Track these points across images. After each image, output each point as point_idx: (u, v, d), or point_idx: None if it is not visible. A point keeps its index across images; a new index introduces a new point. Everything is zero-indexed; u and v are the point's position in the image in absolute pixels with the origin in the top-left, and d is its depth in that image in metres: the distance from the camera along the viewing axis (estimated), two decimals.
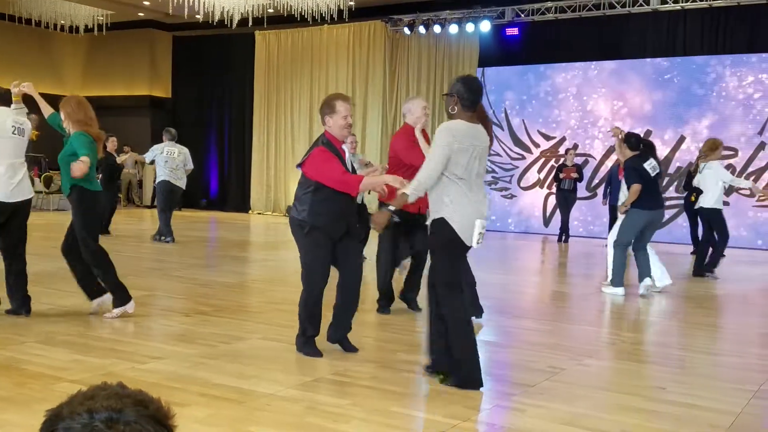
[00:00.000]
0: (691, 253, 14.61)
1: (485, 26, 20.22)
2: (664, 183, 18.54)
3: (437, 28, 20.89)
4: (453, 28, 20.69)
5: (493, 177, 20.60)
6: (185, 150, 14.94)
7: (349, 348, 6.34)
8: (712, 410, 5.04)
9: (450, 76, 21.45)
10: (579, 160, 18.93)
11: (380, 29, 22.17)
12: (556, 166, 18.76)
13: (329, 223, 6.08)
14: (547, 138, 20.36)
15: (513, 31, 20.54)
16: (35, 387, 5.03)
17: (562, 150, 19.72)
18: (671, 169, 18.71)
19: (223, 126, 25.97)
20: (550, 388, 5.44)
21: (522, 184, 20.70)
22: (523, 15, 20.10)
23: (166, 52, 26.85)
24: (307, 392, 5.13)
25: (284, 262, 12.56)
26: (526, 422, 4.70)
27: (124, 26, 25.58)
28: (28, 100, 7.57)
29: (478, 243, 5.44)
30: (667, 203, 18.06)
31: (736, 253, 16.36)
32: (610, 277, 10.23)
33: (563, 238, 17.91)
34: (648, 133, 18.42)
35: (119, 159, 15.07)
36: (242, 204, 25.17)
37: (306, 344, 6.23)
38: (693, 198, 13.25)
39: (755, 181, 16.69)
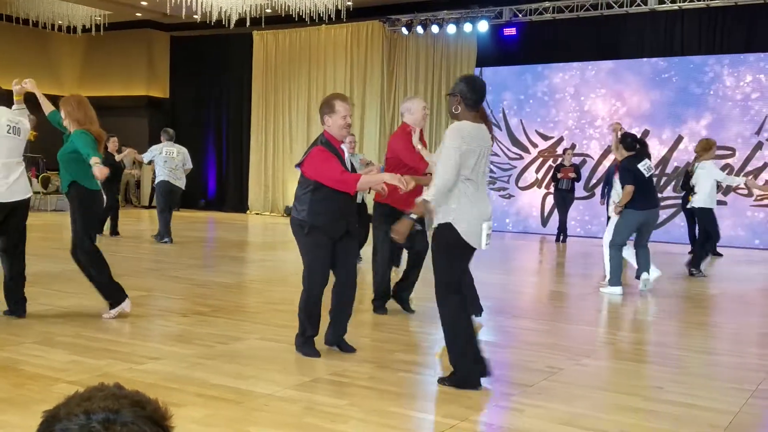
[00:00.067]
0: (689, 252, 14.61)
1: (483, 26, 20.22)
2: (662, 183, 18.58)
3: (435, 28, 20.89)
4: (451, 28, 20.68)
5: (491, 177, 20.58)
6: (184, 150, 14.96)
7: (346, 348, 6.34)
8: (711, 410, 5.04)
9: (448, 76, 21.46)
10: (577, 160, 18.94)
11: (378, 29, 22.17)
12: (554, 166, 18.77)
13: (329, 222, 6.08)
14: (545, 138, 20.36)
15: (511, 31, 20.54)
16: (33, 388, 5.03)
17: (559, 150, 19.73)
18: (669, 169, 18.72)
19: (221, 126, 25.96)
20: (549, 388, 5.44)
21: (520, 184, 20.70)
22: (520, 15, 20.10)
23: (163, 53, 26.84)
24: (305, 392, 5.12)
25: (282, 263, 12.56)
26: (524, 422, 4.70)
27: (121, 26, 25.56)
28: (29, 99, 7.55)
29: (486, 245, 5.45)
30: (665, 203, 18.11)
31: (734, 252, 16.37)
32: (608, 277, 10.25)
33: (561, 237, 17.92)
34: (646, 132, 18.43)
35: (118, 157, 15.07)
36: (240, 204, 25.15)
37: (305, 344, 6.23)
38: (690, 198, 13.27)
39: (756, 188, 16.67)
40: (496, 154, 20.49)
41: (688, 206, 12.57)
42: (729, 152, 17.99)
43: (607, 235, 10.65)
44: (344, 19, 20.45)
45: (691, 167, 12.71)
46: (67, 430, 1.30)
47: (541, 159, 20.44)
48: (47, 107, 7.73)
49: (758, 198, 17.61)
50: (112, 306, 7.39)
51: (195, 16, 21.29)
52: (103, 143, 7.44)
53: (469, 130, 5.31)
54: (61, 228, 7.50)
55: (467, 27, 20.41)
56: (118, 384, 1.40)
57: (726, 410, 5.03)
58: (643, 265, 10.32)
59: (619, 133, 10.61)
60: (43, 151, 21.69)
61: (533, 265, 14.02)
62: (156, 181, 14.87)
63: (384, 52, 22.19)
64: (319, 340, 6.32)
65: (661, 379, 5.86)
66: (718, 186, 15.10)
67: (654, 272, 10.50)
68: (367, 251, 9.92)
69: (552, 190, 18.67)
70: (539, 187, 20.44)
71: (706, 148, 12.06)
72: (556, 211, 18.68)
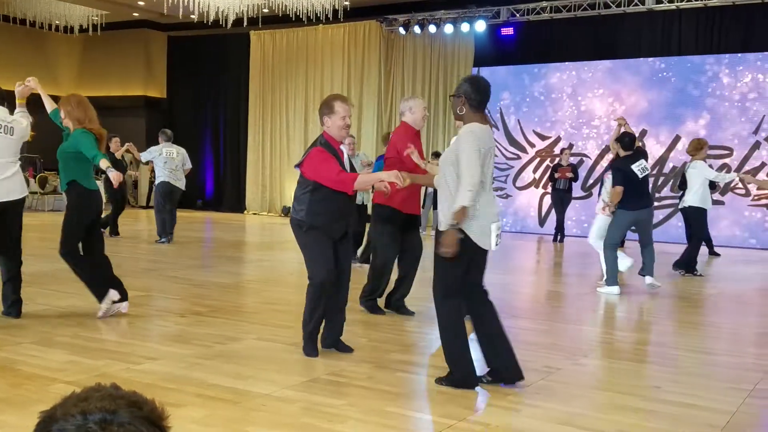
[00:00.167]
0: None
1: (480, 26, 20.24)
2: (659, 183, 18.60)
3: (432, 28, 20.90)
4: (448, 28, 20.69)
5: None
6: (183, 150, 15.02)
7: (344, 349, 6.33)
8: (708, 409, 5.04)
9: (445, 76, 21.48)
10: (574, 160, 18.95)
11: (375, 29, 22.17)
12: (552, 165, 18.77)
13: (328, 222, 6.08)
14: (543, 138, 20.37)
15: (508, 31, 20.55)
16: (31, 388, 5.02)
17: (557, 150, 19.75)
18: (666, 169, 18.74)
19: (219, 126, 25.96)
20: (546, 388, 5.44)
21: (517, 184, 20.71)
22: (518, 15, 20.11)
23: (161, 52, 26.84)
24: (303, 393, 5.12)
25: (280, 263, 12.55)
26: (522, 422, 4.70)
27: (118, 26, 25.56)
28: (29, 101, 7.53)
29: (496, 245, 5.44)
30: (662, 203, 18.15)
31: (732, 252, 16.39)
32: (605, 277, 10.29)
33: (558, 237, 17.93)
34: (643, 132, 18.46)
35: (118, 154, 15.09)
36: (237, 204, 25.15)
37: (308, 342, 6.22)
38: None
39: (750, 183, 16.69)
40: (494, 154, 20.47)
41: (680, 206, 12.62)
42: (727, 152, 18.01)
43: (593, 233, 10.78)
44: (341, 19, 20.47)
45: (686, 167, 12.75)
46: (63, 431, 1.29)
47: (538, 159, 20.45)
48: (50, 106, 7.72)
49: (756, 198, 17.63)
50: (100, 300, 7.39)
51: (192, 16, 21.30)
52: (104, 142, 7.43)
53: (480, 132, 5.29)
54: (59, 228, 7.45)
55: (464, 27, 20.43)
56: (115, 384, 1.40)
57: (724, 410, 5.03)
58: (648, 266, 10.39)
59: (623, 128, 10.65)
60: (41, 151, 21.68)
61: (531, 265, 14.02)
62: (156, 182, 14.90)
63: (381, 52, 22.20)
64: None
65: (658, 379, 5.86)
66: (716, 186, 15.16)
67: (625, 261, 10.63)
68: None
69: (549, 190, 18.67)
70: (537, 187, 20.45)
71: (697, 147, 12.11)
72: (553, 211, 18.68)
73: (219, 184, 26.06)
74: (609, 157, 16.22)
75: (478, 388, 5.33)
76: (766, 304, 10.00)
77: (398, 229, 7.98)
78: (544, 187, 19.98)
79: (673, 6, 18.35)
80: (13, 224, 7.19)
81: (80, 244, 7.38)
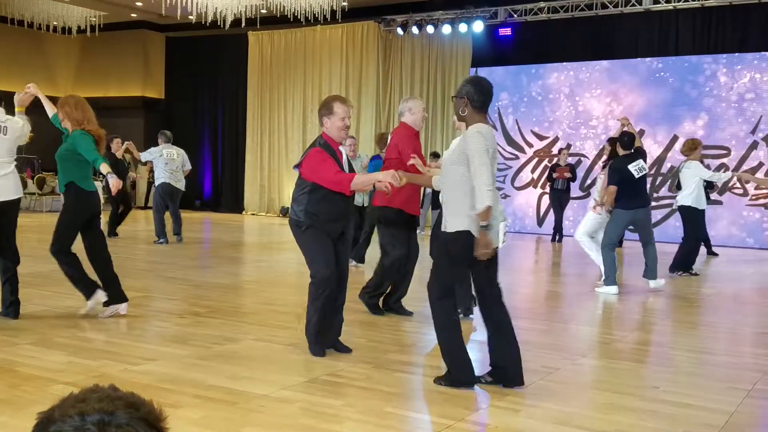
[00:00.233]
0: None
1: (478, 26, 20.25)
2: (657, 183, 18.60)
3: (430, 29, 20.91)
4: (446, 29, 20.70)
5: None
6: (182, 151, 15.11)
7: (342, 349, 6.33)
8: (707, 409, 5.04)
9: (443, 77, 21.50)
10: (572, 160, 18.97)
11: (373, 30, 22.18)
12: (550, 165, 18.77)
13: (326, 223, 6.08)
14: (541, 138, 20.38)
15: (506, 32, 20.57)
16: (29, 389, 5.02)
17: (555, 150, 19.76)
18: (664, 169, 18.76)
19: (217, 127, 25.97)
20: (545, 388, 5.44)
21: (515, 184, 20.72)
22: (515, 15, 20.12)
23: (159, 53, 26.84)
24: (302, 393, 5.12)
25: (278, 263, 12.55)
26: (520, 422, 4.70)
27: (116, 27, 25.56)
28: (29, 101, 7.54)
29: (503, 243, 5.44)
30: (660, 203, 18.15)
31: (730, 252, 16.40)
32: (603, 277, 10.30)
33: (557, 237, 17.93)
34: (641, 132, 18.44)
35: (118, 154, 15.12)
36: (236, 205, 25.16)
37: (314, 342, 6.21)
38: None
39: (746, 182, 16.72)
40: None
41: (674, 205, 12.69)
42: (724, 152, 18.03)
43: (580, 229, 10.98)
44: (339, 20, 20.47)
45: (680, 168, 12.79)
46: None
47: (536, 159, 20.46)
48: (50, 110, 7.71)
49: (754, 197, 17.64)
50: (87, 298, 7.40)
51: (190, 17, 21.31)
52: (103, 142, 7.42)
53: (487, 132, 5.29)
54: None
55: (462, 27, 20.45)
56: (113, 385, 1.40)
57: (722, 410, 5.04)
58: (650, 268, 10.45)
59: (626, 128, 10.70)
60: (39, 152, 21.67)
61: (529, 265, 14.02)
62: (156, 183, 14.92)
63: (379, 52, 22.22)
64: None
65: (657, 379, 5.86)
66: (714, 186, 15.17)
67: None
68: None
69: (548, 190, 18.68)
70: (535, 187, 20.46)
71: (692, 147, 12.15)
72: (551, 211, 18.69)
73: (217, 185, 26.07)
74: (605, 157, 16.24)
75: (476, 388, 5.33)
76: (764, 303, 10.00)
77: (405, 229, 7.99)
78: (543, 187, 19.99)
79: (670, 6, 18.36)
80: (8, 225, 7.18)
81: (85, 243, 7.39)
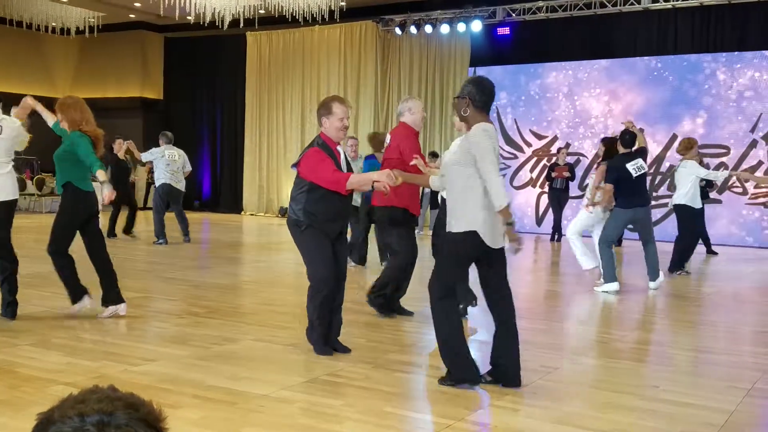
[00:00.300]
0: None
1: (476, 26, 20.24)
2: (656, 182, 18.60)
3: (428, 28, 20.90)
4: (444, 28, 20.69)
5: None
6: (183, 153, 15.17)
7: (341, 349, 6.33)
8: (706, 408, 5.04)
9: (442, 77, 21.49)
10: (571, 159, 18.96)
11: (371, 30, 22.17)
12: (548, 165, 18.77)
13: (324, 223, 6.09)
14: (539, 137, 20.38)
15: (504, 31, 20.57)
16: (28, 390, 5.02)
17: (554, 149, 19.75)
18: (663, 168, 18.75)
19: (215, 127, 25.96)
20: (544, 387, 5.44)
21: (514, 184, 20.71)
22: (514, 14, 20.12)
23: (157, 54, 26.83)
24: (301, 393, 5.12)
25: (277, 264, 12.55)
26: (519, 421, 4.70)
27: (115, 28, 25.55)
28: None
29: (509, 243, 5.46)
30: (659, 201, 18.14)
31: (729, 251, 16.41)
32: (602, 276, 10.32)
33: (556, 237, 17.93)
34: (640, 131, 18.43)
35: (120, 154, 15.15)
36: (235, 205, 25.15)
37: (317, 343, 6.22)
38: None
39: (746, 180, 16.72)
40: None
41: (670, 204, 12.72)
42: (723, 150, 18.03)
43: (572, 227, 11.06)
44: (337, 20, 20.47)
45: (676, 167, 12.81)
46: None
47: (535, 158, 20.46)
48: (51, 118, 7.70)
49: (753, 196, 17.65)
50: (74, 302, 7.43)
51: (188, 18, 21.31)
52: (101, 143, 7.41)
53: (491, 131, 5.30)
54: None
55: (461, 27, 20.44)
56: (112, 386, 1.40)
57: (721, 409, 5.04)
58: (651, 269, 10.47)
59: (632, 130, 10.76)
60: (38, 153, 21.65)
61: (528, 265, 14.02)
62: (157, 184, 14.94)
63: (378, 52, 22.20)
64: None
65: (656, 378, 5.86)
66: (713, 184, 15.19)
67: (589, 263, 10.89)
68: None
69: (546, 189, 18.68)
70: (534, 186, 20.46)
71: (687, 147, 12.17)
72: (550, 210, 18.69)
73: (216, 185, 26.06)
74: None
75: (476, 388, 5.32)
76: (763, 302, 10.00)
77: (411, 228, 7.97)
78: (541, 186, 19.99)
79: (668, 5, 18.36)
80: (2, 226, 7.15)
81: (84, 242, 7.40)
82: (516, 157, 20.60)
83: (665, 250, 12.28)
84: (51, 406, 1.35)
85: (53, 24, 24.69)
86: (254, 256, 13.99)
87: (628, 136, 10.36)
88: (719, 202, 17.83)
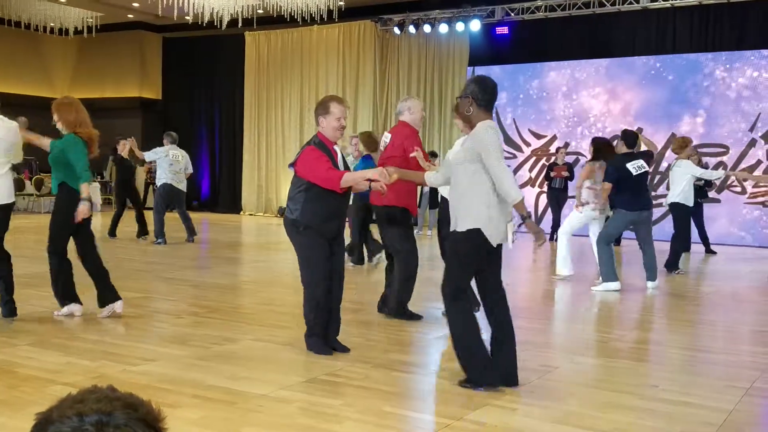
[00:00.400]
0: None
1: (475, 25, 20.23)
2: (655, 181, 18.61)
3: (427, 28, 20.89)
4: (443, 28, 20.69)
5: None
6: (186, 154, 15.19)
7: (340, 349, 6.33)
8: (705, 408, 5.04)
9: (441, 76, 21.49)
10: (570, 159, 18.96)
11: (370, 29, 22.16)
12: (547, 164, 18.77)
13: (321, 222, 6.09)
14: (538, 137, 20.38)
15: (503, 30, 20.56)
16: (27, 390, 5.02)
17: (552, 149, 19.75)
18: (662, 167, 18.75)
19: (214, 127, 25.96)
20: (543, 387, 5.44)
21: None
22: (512, 14, 20.11)
23: (156, 54, 26.82)
24: (300, 393, 5.12)
25: (276, 263, 12.55)
26: (518, 421, 4.70)
27: (113, 28, 25.54)
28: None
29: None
30: (657, 201, 18.12)
31: (728, 250, 16.41)
32: (601, 278, 10.32)
33: (555, 236, 17.90)
34: (639, 130, 18.43)
35: (123, 153, 15.17)
36: (233, 205, 25.14)
37: (315, 344, 6.24)
38: None
39: (744, 180, 16.72)
40: None
41: (664, 203, 12.74)
42: (722, 150, 18.03)
43: (564, 227, 11.12)
44: (336, 19, 20.45)
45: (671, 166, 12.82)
46: None
47: (534, 158, 20.46)
48: (45, 144, 7.67)
49: (751, 195, 17.65)
50: (61, 305, 7.47)
51: (187, 17, 21.30)
52: (96, 144, 7.41)
53: (496, 128, 5.31)
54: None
55: (459, 26, 20.43)
56: (111, 386, 1.40)
57: (720, 408, 5.04)
58: (649, 270, 10.53)
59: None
60: (37, 154, 21.63)
61: (527, 264, 14.02)
62: (158, 183, 14.94)
63: (376, 52, 22.20)
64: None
65: (655, 378, 5.87)
66: (711, 184, 15.20)
67: (564, 270, 11.06)
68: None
69: (545, 189, 18.68)
70: (532, 186, 20.45)
71: (682, 146, 12.19)
72: (549, 210, 18.69)
73: (215, 185, 26.05)
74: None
75: (498, 385, 5.29)
76: (762, 301, 10.01)
77: (410, 227, 7.95)
78: (540, 186, 19.99)
79: (667, 4, 18.36)
80: None
81: (76, 242, 7.40)
82: (515, 156, 20.59)
83: (663, 249, 12.28)
84: (50, 406, 1.35)
85: (51, 24, 24.68)
86: (253, 256, 13.99)
87: (631, 135, 10.41)
88: (718, 201, 17.83)
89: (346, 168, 6.32)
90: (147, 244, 14.54)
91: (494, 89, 5.45)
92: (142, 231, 15.30)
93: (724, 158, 17.96)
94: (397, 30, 21.40)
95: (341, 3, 20.11)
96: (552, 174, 17.79)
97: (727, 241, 17.59)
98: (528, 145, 20.50)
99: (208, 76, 25.45)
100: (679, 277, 11.94)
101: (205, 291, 9.36)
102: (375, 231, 9.85)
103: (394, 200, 7.60)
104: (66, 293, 7.45)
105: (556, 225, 17.94)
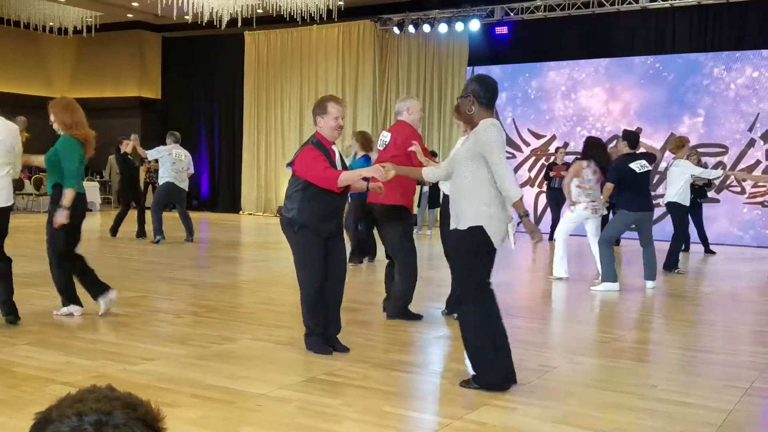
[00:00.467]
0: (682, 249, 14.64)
1: (475, 25, 20.22)
2: (654, 180, 18.61)
3: (427, 28, 20.88)
4: (442, 27, 20.68)
5: None
6: (188, 154, 15.26)
7: (340, 348, 6.33)
8: (704, 408, 5.04)
9: (440, 76, 21.48)
10: (569, 159, 18.92)
11: (370, 29, 22.16)
12: (547, 164, 18.78)
13: (318, 221, 6.09)
14: (537, 137, 20.38)
15: (502, 30, 20.56)
16: (27, 389, 5.02)
17: (552, 149, 19.75)
18: (661, 167, 18.74)
19: (213, 126, 25.95)
20: (542, 387, 5.44)
21: None
22: (512, 14, 20.11)
23: (155, 53, 26.81)
24: (299, 392, 5.12)
25: (276, 263, 12.55)
26: (518, 420, 4.70)
27: (113, 27, 25.52)
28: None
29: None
30: (656, 200, 18.13)
31: (728, 250, 16.41)
32: (600, 276, 10.32)
33: (554, 236, 17.90)
34: (638, 130, 18.45)
35: (128, 149, 15.20)
36: (233, 204, 25.14)
37: (315, 343, 6.24)
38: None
39: (743, 180, 16.73)
40: None
41: (662, 202, 12.74)
42: (722, 149, 18.03)
43: (561, 227, 11.17)
44: (335, 19, 20.44)
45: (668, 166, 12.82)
46: None
47: (533, 158, 20.45)
48: (40, 161, 7.68)
49: (751, 195, 17.65)
50: (64, 305, 7.47)
51: (186, 17, 21.28)
52: (91, 145, 7.39)
53: (498, 126, 5.31)
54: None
55: (459, 26, 20.42)
56: (110, 386, 1.40)
57: (720, 408, 5.04)
58: (649, 269, 10.55)
59: (642, 149, 10.82)
60: (36, 153, 21.61)
61: (527, 264, 14.02)
62: (161, 182, 14.97)
63: (376, 51, 22.19)
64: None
65: (654, 378, 5.87)
66: (711, 183, 15.21)
67: (559, 272, 11.11)
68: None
69: (545, 188, 18.68)
70: (532, 185, 20.45)
71: (679, 145, 12.20)
72: (548, 210, 18.69)
73: (214, 185, 26.05)
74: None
75: (507, 389, 5.29)
76: (762, 301, 10.01)
77: (411, 226, 7.94)
78: (540, 186, 19.99)
79: (667, 4, 18.36)
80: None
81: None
82: (514, 156, 20.59)
83: (663, 249, 12.28)
84: (49, 406, 1.35)
85: (51, 24, 24.67)
86: (253, 256, 13.99)
87: (633, 136, 10.44)
88: (717, 201, 17.83)
89: (345, 168, 6.31)
90: (146, 244, 14.55)
91: (495, 87, 5.45)
92: (141, 232, 15.34)
93: (724, 158, 17.96)
94: (396, 30, 21.39)
95: (341, 3, 20.11)
96: (551, 174, 17.79)
97: (727, 241, 17.60)
98: (527, 144, 20.50)
99: (208, 76, 25.45)
100: (678, 277, 11.94)
101: (204, 290, 9.36)
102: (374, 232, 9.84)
103: (393, 199, 7.58)
104: (67, 294, 7.45)
105: (555, 225, 17.92)
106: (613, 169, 10.22)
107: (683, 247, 12.77)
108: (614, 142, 17.99)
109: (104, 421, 1.29)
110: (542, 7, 19.64)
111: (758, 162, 17.72)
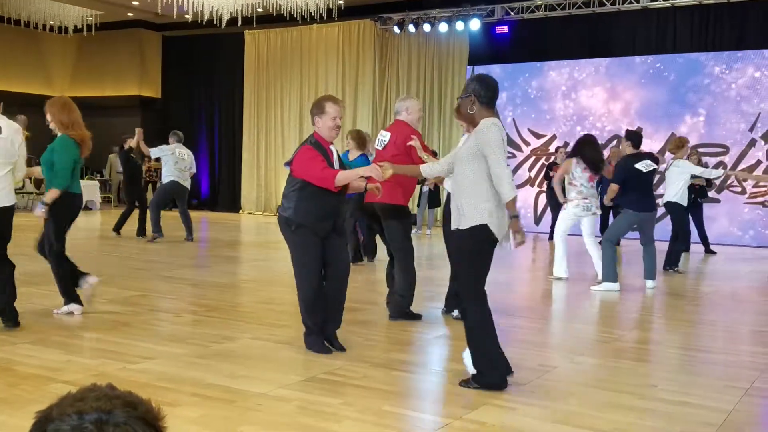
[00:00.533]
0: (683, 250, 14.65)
1: (475, 24, 20.22)
2: (655, 180, 18.59)
3: (427, 27, 20.88)
4: (443, 27, 20.68)
5: None
6: (191, 153, 15.37)
7: (337, 347, 6.32)
8: (704, 408, 5.04)
9: (440, 75, 21.48)
10: None
11: (370, 28, 22.15)
12: (547, 164, 18.78)
13: (315, 221, 6.08)
14: (538, 136, 20.37)
15: (503, 29, 20.56)
16: (27, 388, 5.02)
17: (552, 148, 19.75)
18: (662, 167, 18.72)
19: (213, 125, 25.94)
20: (542, 387, 5.44)
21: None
22: (512, 13, 20.11)
23: (155, 52, 26.82)
24: (299, 392, 5.12)
25: (275, 262, 12.54)
26: (517, 420, 4.70)
27: (113, 26, 25.52)
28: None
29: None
30: (657, 200, 18.13)
31: (728, 250, 16.41)
32: (599, 277, 10.32)
33: (553, 237, 17.91)
34: (639, 130, 18.43)
35: (133, 144, 15.23)
36: (233, 204, 25.14)
37: (314, 343, 6.24)
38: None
39: (744, 180, 16.73)
40: None
41: (661, 202, 12.75)
42: (723, 149, 18.03)
43: (560, 226, 11.13)
44: (336, 18, 20.44)
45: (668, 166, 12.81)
46: (59, 431, 1.29)
47: (533, 157, 20.45)
48: (37, 172, 7.69)
49: (751, 195, 17.65)
50: (66, 303, 7.47)
51: (186, 16, 21.28)
52: (87, 145, 7.38)
53: (499, 125, 5.31)
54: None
55: (459, 25, 20.42)
56: (110, 384, 1.40)
57: (720, 408, 5.04)
58: (648, 269, 10.57)
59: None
60: (36, 152, 21.64)
61: (526, 264, 14.02)
62: (164, 180, 15.02)
63: (376, 51, 22.18)
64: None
65: (654, 377, 5.87)
66: (711, 183, 15.21)
67: (559, 271, 11.13)
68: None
69: (545, 188, 18.68)
70: (532, 185, 20.45)
71: (678, 145, 12.21)
72: (548, 209, 18.69)
73: (214, 184, 26.05)
74: (605, 154, 16.24)
75: (505, 388, 5.28)
76: (762, 301, 10.01)
77: (410, 225, 7.93)
78: (540, 185, 19.99)
79: (667, 4, 18.36)
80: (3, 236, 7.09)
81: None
82: (514, 156, 20.58)
83: (664, 249, 12.29)
84: (49, 404, 1.35)
85: (51, 22, 24.65)
86: (253, 255, 13.99)
87: (636, 136, 10.45)
88: (718, 201, 17.83)
89: (343, 168, 6.31)
90: (146, 243, 14.55)
91: (495, 86, 5.46)
92: (142, 230, 15.37)
93: (724, 158, 17.96)
94: (396, 29, 21.39)
95: (341, 2, 20.10)
96: (551, 173, 17.74)
97: (727, 240, 17.60)
98: (527, 144, 20.50)
99: (208, 75, 25.45)
100: (678, 276, 11.94)
101: (204, 290, 9.36)
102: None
103: (393, 198, 7.57)
104: (67, 293, 7.46)
105: (555, 224, 17.95)
106: (619, 169, 10.22)
107: (684, 247, 12.75)
108: (614, 142, 18.01)
109: (105, 420, 1.29)
110: (543, 6, 19.64)
111: (759, 162, 17.72)
